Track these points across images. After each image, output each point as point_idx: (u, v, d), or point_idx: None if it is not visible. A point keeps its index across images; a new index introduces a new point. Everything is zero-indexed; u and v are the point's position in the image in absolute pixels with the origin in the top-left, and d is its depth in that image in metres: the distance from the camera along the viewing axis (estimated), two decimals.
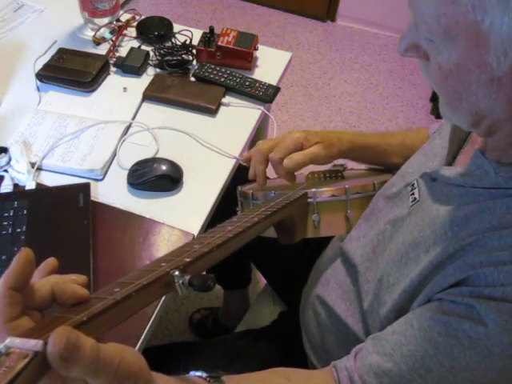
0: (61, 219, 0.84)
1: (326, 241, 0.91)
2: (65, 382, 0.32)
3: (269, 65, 1.20)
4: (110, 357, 0.33)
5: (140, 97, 1.08)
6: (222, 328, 1.48)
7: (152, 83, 1.10)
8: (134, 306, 0.37)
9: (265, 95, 1.09)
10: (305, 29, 2.80)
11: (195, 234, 0.86)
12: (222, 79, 1.11)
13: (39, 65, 1.10)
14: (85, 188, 0.89)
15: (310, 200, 0.79)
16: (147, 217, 0.88)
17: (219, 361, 0.90)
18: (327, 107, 2.39)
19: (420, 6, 0.48)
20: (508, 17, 0.43)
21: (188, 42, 1.19)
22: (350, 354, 0.63)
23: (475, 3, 0.44)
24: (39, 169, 0.94)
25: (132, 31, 1.24)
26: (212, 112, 1.07)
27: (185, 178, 0.93)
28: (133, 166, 0.93)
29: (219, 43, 1.14)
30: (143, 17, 1.26)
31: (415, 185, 0.69)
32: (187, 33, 1.21)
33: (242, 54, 1.15)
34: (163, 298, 0.76)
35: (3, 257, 0.77)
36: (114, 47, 1.18)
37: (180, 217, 0.88)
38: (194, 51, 1.17)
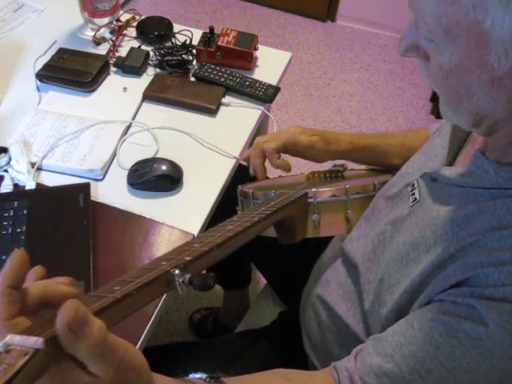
0: (61, 219, 0.84)
1: (326, 241, 0.91)
2: (65, 379, 0.32)
3: (269, 65, 1.20)
4: (116, 344, 0.33)
5: (140, 97, 1.08)
6: (222, 328, 1.48)
7: (152, 83, 1.10)
8: (134, 304, 0.37)
9: (265, 95, 1.09)
10: (305, 29, 2.80)
11: (195, 234, 0.86)
12: (222, 79, 1.11)
13: (39, 65, 1.10)
14: (85, 188, 0.89)
15: (310, 200, 0.79)
16: (147, 217, 0.88)
17: (219, 361, 0.90)
18: (327, 107, 2.39)
19: (420, 5, 0.48)
20: (509, 16, 0.43)
21: (188, 41, 1.19)
22: (351, 354, 0.63)
23: (476, 3, 0.44)
24: (39, 169, 0.94)
25: (132, 31, 1.24)
26: (212, 112, 1.07)
27: (185, 178, 0.93)
28: (133, 166, 0.93)
29: (219, 43, 1.14)
30: (143, 17, 1.26)
31: (415, 185, 0.69)
32: (187, 33, 1.21)
33: (242, 54, 1.15)
34: (163, 297, 0.76)
35: (3, 257, 0.77)
36: (114, 47, 1.18)
37: (180, 217, 0.88)
38: (194, 51, 1.17)
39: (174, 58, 1.15)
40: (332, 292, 0.78)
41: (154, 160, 0.94)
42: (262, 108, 1.10)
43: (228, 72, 1.13)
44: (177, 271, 0.41)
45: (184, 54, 1.17)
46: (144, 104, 1.08)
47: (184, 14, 2.80)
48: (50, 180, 0.92)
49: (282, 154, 0.91)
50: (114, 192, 0.91)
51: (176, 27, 1.24)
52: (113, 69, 1.14)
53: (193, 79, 1.14)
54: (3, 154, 0.92)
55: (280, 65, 1.20)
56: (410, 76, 2.56)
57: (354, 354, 0.62)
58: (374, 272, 0.69)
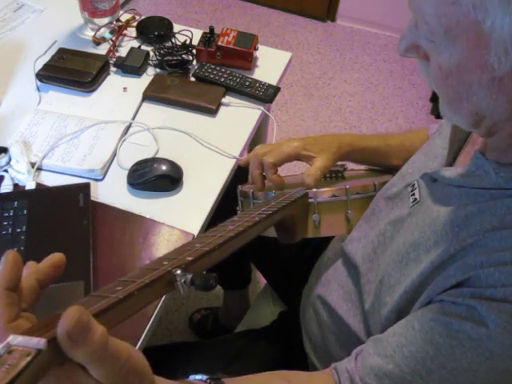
0: (61, 219, 0.84)
1: (326, 241, 0.91)
2: (68, 380, 0.32)
3: (269, 65, 1.20)
4: (118, 349, 0.32)
5: (140, 97, 1.08)
6: (222, 328, 1.48)
7: (152, 83, 1.10)
8: (136, 304, 0.37)
9: (265, 95, 1.09)
10: (305, 29, 2.80)
11: (195, 234, 0.86)
12: (222, 79, 1.11)
13: (39, 65, 1.10)
14: (85, 188, 0.89)
15: (310, 200, 0.79)
16: (147, 217, 0.88)
17: (219, 361, 0.90)
18: (327, 107, 2.39)
19: (421, 5, 0.48)
20: (509, 17, 0.43)
21: (188, 41, 1.19)
22: (351, 355, 0.62)
23: (476, 3, 0.44)
24: (39, 169, 0.94)
25: (132, 31, 1.23)
26: (212, 112, 1.07)
27: (185, 178, 0.93)
28: (133, 166, 0.93)
29: (219, 43, 1.14)
30: (143, 17, 1.26)
31: (415, 185, 0.69)
32: (187, 33, 1.21)
33: (242, 54, 1.15)
34: (163, 297, 0.76)
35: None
36: (114, 47, 1.18)
37: (180, 217, 0.88)
38: (194, 51, 1.17)
39: (174, 58, 1.15)
40: (332, 292, 0.78)
41: (154, 160, 0.94)
42: (261, 108, 1.10)
43: (228, 72, 1.13)
44: (178, 271, 0.41)
45: (184, 53, 1.17)
46: (144, 104, 1.08)
47: (184, 13, 2.80)
48: (50, 180, 0.92)
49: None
50: (114, 192, 0.91)
51: (176, 27, 1.24)
52: (113, 69, 1.14)
53: (193, 79, 1.14)
54: (3, 154, 0.92)
55: (280, 65, 1.20)
56: (409, 76, 2.56)
57: (354, 355, 0.62)
58: (374, 272, 0.69)
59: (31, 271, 0.40)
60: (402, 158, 0.89)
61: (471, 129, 0.57)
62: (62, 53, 1.12)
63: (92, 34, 1.19)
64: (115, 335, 0.33)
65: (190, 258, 0.44)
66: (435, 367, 0.53)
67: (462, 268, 0.54)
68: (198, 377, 0.49)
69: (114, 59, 1.15)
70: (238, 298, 1.47)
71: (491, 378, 0.52)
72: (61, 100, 1.06)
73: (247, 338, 0.97)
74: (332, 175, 0.95)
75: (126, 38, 1.22)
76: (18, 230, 0.81)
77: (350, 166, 0.98)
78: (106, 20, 1.20)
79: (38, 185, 0.91)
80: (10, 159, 0.93)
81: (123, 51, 1.17)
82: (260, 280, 1.56)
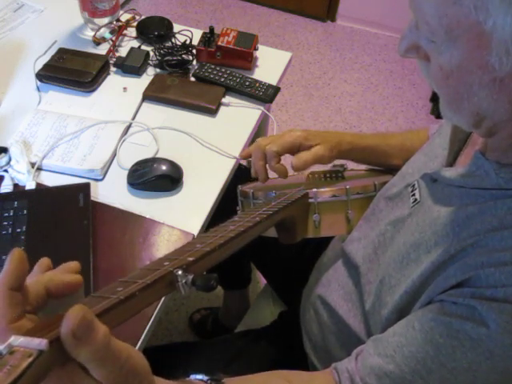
0: (61, 219, 0.84)
1: (326, 241, 0.91)
2: (69, 381, 0.32)
3: (269, 65, 1.20)
4: (119, 349, 0.33)
5: (140, 97, 1.08)
6: (222, 328, 1.48)
7: (152, 83, 1.10)
8: (137, 305, 0.37)
9: (265, 95, 1.09)
10: (305, 29, 2.80)
11: (195, 234, 0.86)
12: (222, 79, 1.11)
13: (39, 65, 1.10)
14: (85, 188, 0.89)
15: (310, 200, 0.79)
16: (147, 217, 0.88)
17: (219, 361, 0.90)
18: (327, 107, 2.39)
19: (421, 6, 0.48)
20: (511, 17, 0.43)
21: (188, 41, 1.19)
22: (351, 355, 0.62)
23: (477, 4, 0.44)
24: (39, 169, 0.94)
25: (132, 31, 1.23)
26: (212, 112, 1.07)
27: (185, 178, 0.93)
28: (133, 166, 0.93)
29: (219, 43, 1.14)
30: (143, 17, 1.26)
31: (416, 185, 0.69)
32: (187, 33, 1.21)
33: (242, 54, 1.15)
34: (163, 298, 0.76)
35: (3, 257, 0.77)
36: (114, 47, 1.18)
37: (180, 217, 0.88)
38: (194, 51, 1.17)
39: (174, 58, 1.15)
40: (333, 292, 0.78)
41: (154, 160, 0.94)
42: (261, 108, 1.10)
43: (228, 72, 1.13)
44: (180, 272, 0.41)
45: (184, 53, 1.17)
46: (144, 104, 1.08)
47: (184, 13, 2.79)
48: (50, 180, 0.92)
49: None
50: (114, 192, 0.91)
51: (176, 27, 1.24)
52: (113, 69, 1.14)
53: (193, 79, 1.14)
54: (3, 154, 0.92)
55: (280, 65, 1.20)
56: (410, 76, 2.56)
57: (354, 355, 0.62)
58: (374, 273, 0.69)
59: (43, 279, 0.39)
60: (402, 157, 0.89)
61: (472, 129, 0.57)
62: (62, 53, 1.12)
63: (92, 33, 1.19)
64: (115, 335, 0.33)
65: (191, 259, 0.44)
66: (435, 367, 0.54)
67: (462, 268, 0.54)
68: (199, 377, 0.49)
69: (114, 59, 1.15)
70: (238, 298, 1.47)
71: (491, 378, 0.52)
72: (61, 100, 1.06)
73: (247, 338, 0.97)
74: (332, 175, 0.95)
75: (125, 38, 1.22)
76: (18, 230, 0.81)
77: (350, 166, 0.98)
78: (106, 20, 1.20)
79: (38, 185, 0.91)
80: (9, 159, 0.92)
81: (123, 51, 1.17)
82: (260, 280, 1.56)
